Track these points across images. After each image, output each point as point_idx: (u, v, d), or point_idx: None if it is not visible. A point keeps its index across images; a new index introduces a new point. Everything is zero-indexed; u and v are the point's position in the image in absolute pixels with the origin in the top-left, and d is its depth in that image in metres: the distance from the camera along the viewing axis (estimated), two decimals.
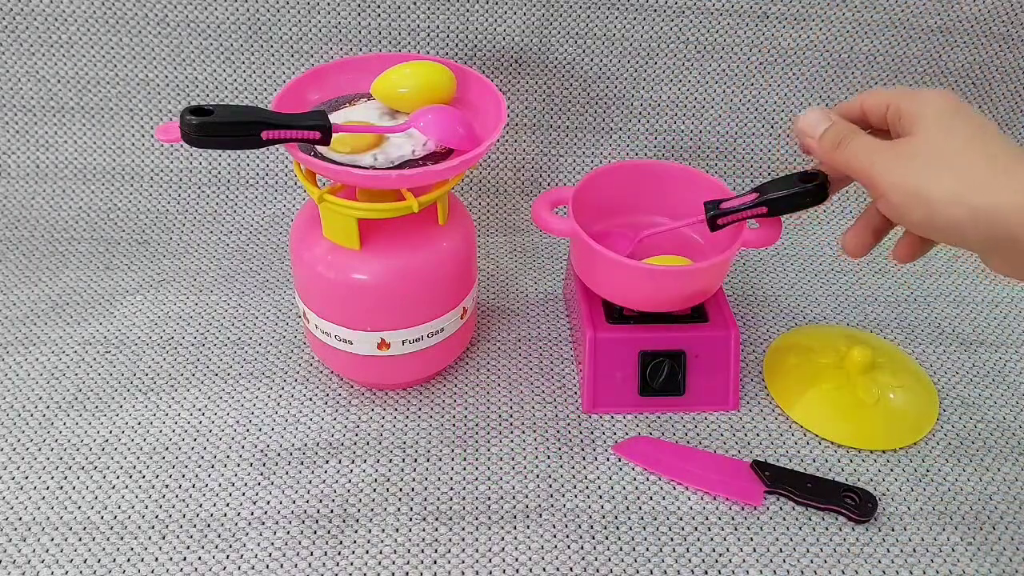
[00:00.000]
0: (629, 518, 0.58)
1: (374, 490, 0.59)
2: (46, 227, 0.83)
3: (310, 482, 0.60)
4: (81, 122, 0.84)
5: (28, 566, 0.54)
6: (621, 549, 0.56)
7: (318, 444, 0.63)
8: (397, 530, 0.57)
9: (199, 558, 0.54)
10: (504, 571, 0.54)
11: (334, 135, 0.54)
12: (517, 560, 0.55)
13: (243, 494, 0.59)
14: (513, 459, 0.62)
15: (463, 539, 0.56)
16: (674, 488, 0.60)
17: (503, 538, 0.56)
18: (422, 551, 0.55)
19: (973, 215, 0.43)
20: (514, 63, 0.83)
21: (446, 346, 0.65)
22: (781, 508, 0.59)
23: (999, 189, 0.43)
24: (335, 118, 0.58)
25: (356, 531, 0.57)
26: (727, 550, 0.56)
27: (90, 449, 0.61)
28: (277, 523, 0.57)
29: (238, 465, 0.61)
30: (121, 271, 0.79)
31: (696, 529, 0.58)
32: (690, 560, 0.56)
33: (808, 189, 0.56)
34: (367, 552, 0.55)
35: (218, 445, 0.62)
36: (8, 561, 0.54)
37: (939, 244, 0.50)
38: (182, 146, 0.53)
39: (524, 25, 0.82)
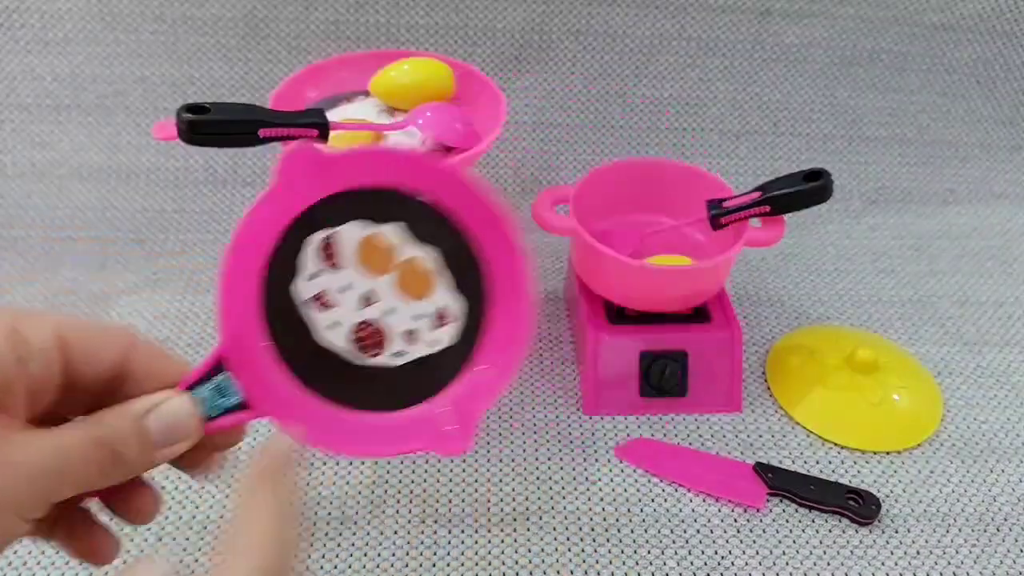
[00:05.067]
0: (631, 521, 0.57)
1: (372, 492, 0.59)
2: (42, 226, 0.82)
3: (308, 484, 0.59)
4: (77, 120, 0.83)
5: (24, 568, 0.53)
6: (623, 552, 0.55)
7: None
8: (396, 532, 0.56)
9: (196, 560, 0.54)
10: (504, 574, 0.54)
11: (332, 133, 0.53)
12: (517, 563, 0.55)
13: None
14: (513, 462, 0.61)
15: (463, 542, 0.56)
16: (676, 491, 0.60)
17: (503, 541, 0.56)
18: (421, 554, 0.55)
19: None
20: (514, 60, 0.83)
21: None
22: (784, 510, 0.59)
23: None
24: (333, 116, 0.57)
25: (355, 533, 0.56)
26: (729, 552, 0.56)
27: None
28: None
29: (235, 467, 0.60)
30: (117, 270, 0.78)
31: (698, 532, 0.57)
32: (692, 563, 0.55)
33: (811, 187, 0.55)
34: (365, 555, 0.55)
35: None
36: (4, 563, 0.53)
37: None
38: (179, 144, 0.52)
39: (524, 22, 0.81)
